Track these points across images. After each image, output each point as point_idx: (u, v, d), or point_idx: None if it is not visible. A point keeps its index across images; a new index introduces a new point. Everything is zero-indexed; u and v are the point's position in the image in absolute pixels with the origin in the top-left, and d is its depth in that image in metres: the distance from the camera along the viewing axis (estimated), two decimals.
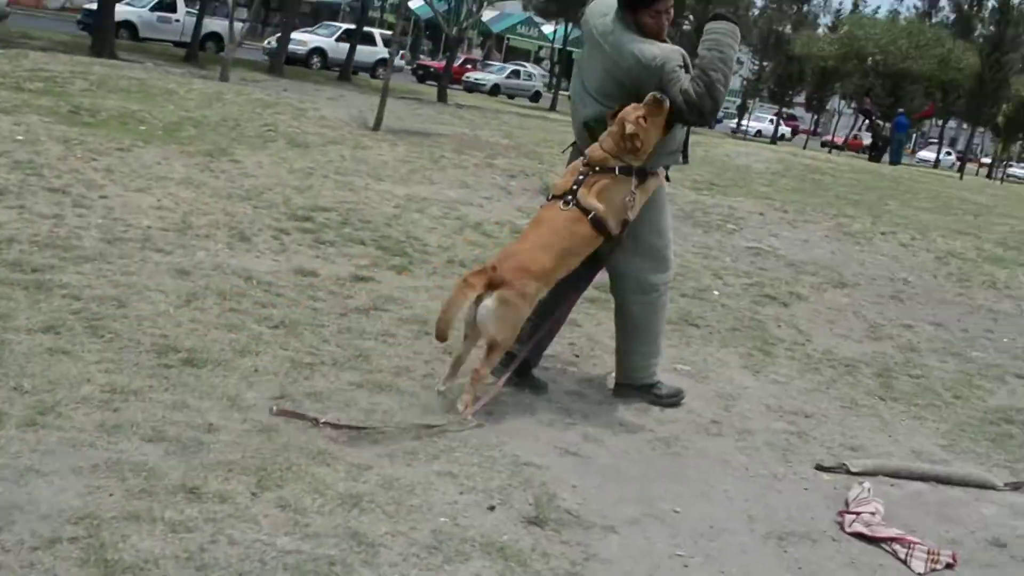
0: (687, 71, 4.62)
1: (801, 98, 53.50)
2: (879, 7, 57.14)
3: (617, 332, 5.23)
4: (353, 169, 10.50)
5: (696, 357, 6.27)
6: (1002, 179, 46.45)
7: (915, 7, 57.15)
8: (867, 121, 44.00)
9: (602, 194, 4.62)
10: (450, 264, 7.57)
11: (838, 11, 51.08)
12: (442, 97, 25.58)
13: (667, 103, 4.54)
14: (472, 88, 39.15)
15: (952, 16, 57.72)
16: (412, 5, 41.03)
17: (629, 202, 4.65)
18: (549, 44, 65.19)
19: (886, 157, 36.51)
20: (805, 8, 49.95)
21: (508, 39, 70.92)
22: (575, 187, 4.65)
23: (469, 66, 44.77)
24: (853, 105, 49.10)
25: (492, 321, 4.46)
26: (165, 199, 7.86)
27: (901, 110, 38.40)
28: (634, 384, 5.19)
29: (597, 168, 4.65)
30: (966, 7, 57.10)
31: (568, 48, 61.48)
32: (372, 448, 4.06)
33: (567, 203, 4.64)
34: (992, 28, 38.45)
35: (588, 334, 6.33)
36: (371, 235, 7.96)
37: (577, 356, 5.85)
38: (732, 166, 19.27)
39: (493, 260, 4.67)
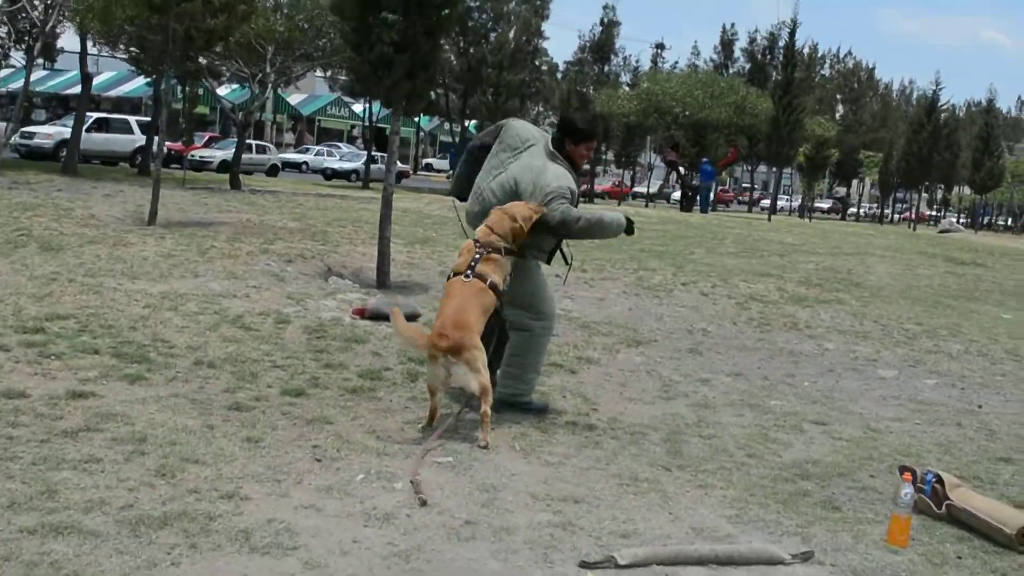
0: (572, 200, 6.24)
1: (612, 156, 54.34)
2: (677, 61, 58.40)
3: (504, 360, 6.45)
4: (107, 269, 9.60)
5: (461, 445, 5.62)
6: (810, 217, 47.91)
7: (711, 60, 58.76)
8: (674, 173, 44.82)
9: (494, 266, 5.97)
10: (197, 366, 6.78)
11: (635, 68, 51.83)
12: (235, 184, 24.57)
13: (544, 210, 6.10)
14: (199, 167, 35.65)
15: (748, 66, 59.53)
16: (221, 92, 39.07)
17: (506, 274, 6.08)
18: (360, 122, 64.70)
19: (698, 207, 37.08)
20: (606, 68, 50.77)
21: (319, 120, 70.25)
22: (472, 265, 5.92)
23: (198, 144, 40.81)
24: (659, 158, 49.98)
25: (473, 377, 5.60)
26: None
27: (705, 159, 39.07)
28: (506, 400, 6.31)
29: (489, 249, 5.97)
30: (759, 56, 59.06)
31: (378, 125, 61.18)
32: None
33: (467, 277, 5.92)
34: (780, 74, 39.73)
35: (340, 432, 5.63)
36: (110, 342, 7.11)
37: (319, 460, 5.13)
38: None
39: (438, 329, 5.69)
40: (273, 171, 41.00)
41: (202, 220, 14.74)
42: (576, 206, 6.32)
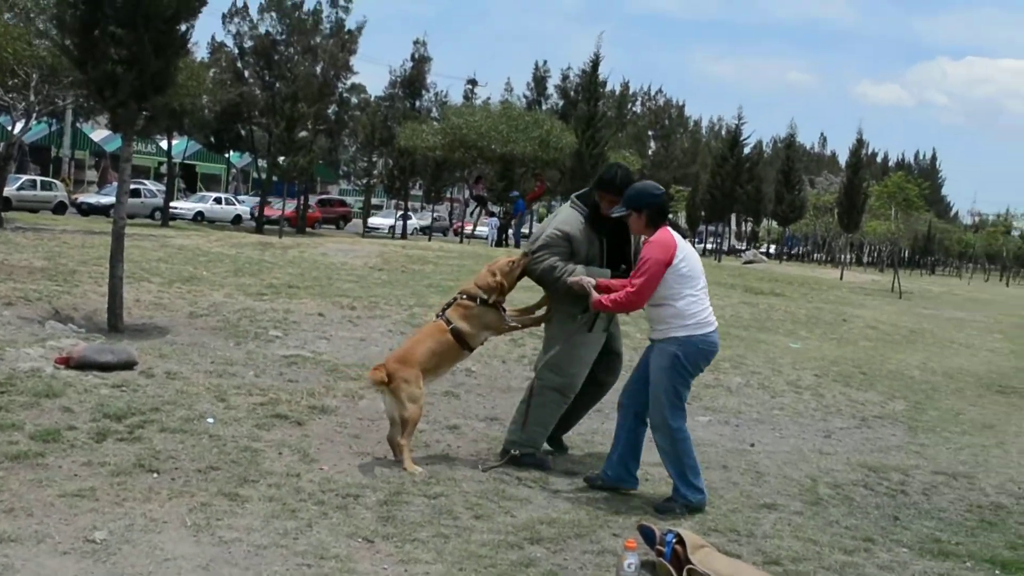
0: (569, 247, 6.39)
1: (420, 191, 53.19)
2: (489, 97, 58.25)
3: (517, 405, 6.71)
4: None
5: (121, 521, 4.64)
6: None
7: (524, 96, 58.61)
8: (481, 208, 44.44)
9: (463, 312, 6.34)
10: None
11: (444, 102, 50.95)
12: None
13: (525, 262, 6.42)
14: None
15: (561, 102, 59.58)
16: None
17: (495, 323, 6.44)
18: (166, 160, 62.29)
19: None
20: (417, 104, 50.02)
21: None
22: (445, 307, 6.44)
23: None
24: (467, 193, 49.14)
25: (396, 405, 6.11)
26: None
27: (515, 192, 38.64)
28: (505, 448, 6.50)
29: (465, 296, 6.38)
30: (572, 93, 59.21)
31: (186, 161, 58.38)
32: None
33: (437, 316, 6.48)
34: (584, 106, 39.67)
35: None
36: None
37: None
38: (323, 265, 17.96)
39: (385, 361, 6.34)
40: (60, 208, 38.15)
41: None
42: (578, 253, 6.39)
